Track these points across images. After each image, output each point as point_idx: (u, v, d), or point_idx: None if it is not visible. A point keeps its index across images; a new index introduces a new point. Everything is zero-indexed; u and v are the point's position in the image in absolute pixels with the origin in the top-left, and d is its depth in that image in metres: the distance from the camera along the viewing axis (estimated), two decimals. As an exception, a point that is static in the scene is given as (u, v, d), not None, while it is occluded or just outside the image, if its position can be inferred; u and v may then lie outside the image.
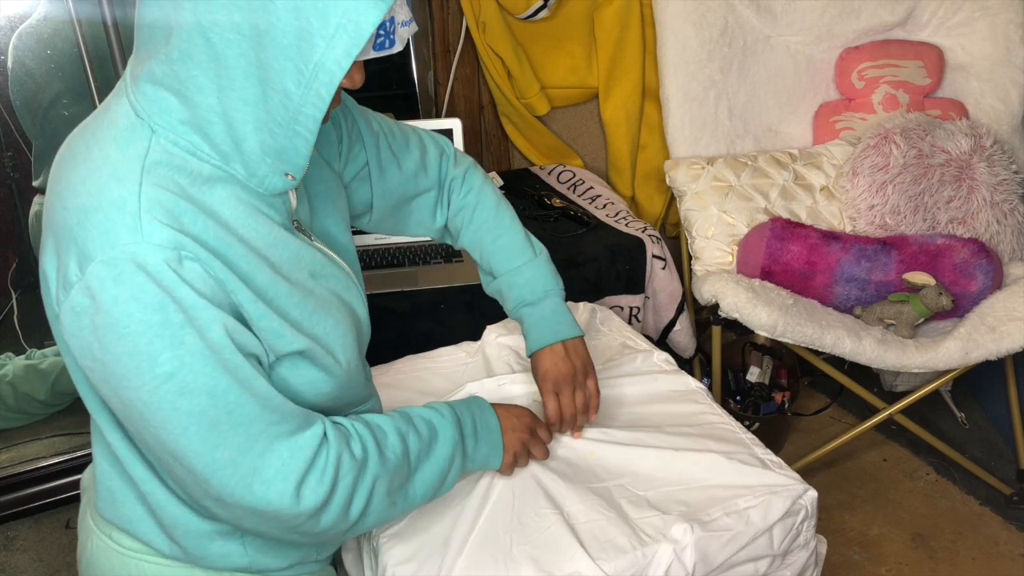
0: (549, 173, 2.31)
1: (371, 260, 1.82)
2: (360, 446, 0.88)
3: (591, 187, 2.21)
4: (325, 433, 0.85)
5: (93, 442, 0.95)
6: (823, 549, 1.19)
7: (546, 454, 1.13)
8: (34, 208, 2.18)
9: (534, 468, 1.12)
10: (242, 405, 0.78)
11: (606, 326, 1.49)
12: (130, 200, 0.74)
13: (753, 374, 2.10)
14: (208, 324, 0.76)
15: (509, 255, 1.19)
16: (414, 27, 0.80)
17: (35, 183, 2.14)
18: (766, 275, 1.92)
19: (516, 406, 1.13)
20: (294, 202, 0.91)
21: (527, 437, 1.09)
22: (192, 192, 0.78)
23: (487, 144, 2.37)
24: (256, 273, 0.81)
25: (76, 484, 1.99)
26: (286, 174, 0.82)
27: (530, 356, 1.18)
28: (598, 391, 1.19)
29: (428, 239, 1.24)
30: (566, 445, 1.18)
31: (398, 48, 0.79)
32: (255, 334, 0.81)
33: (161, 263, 0.73)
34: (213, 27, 0.73)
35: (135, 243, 0.73)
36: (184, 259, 0.75)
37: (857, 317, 1.89)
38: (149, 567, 0.93)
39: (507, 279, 1.19)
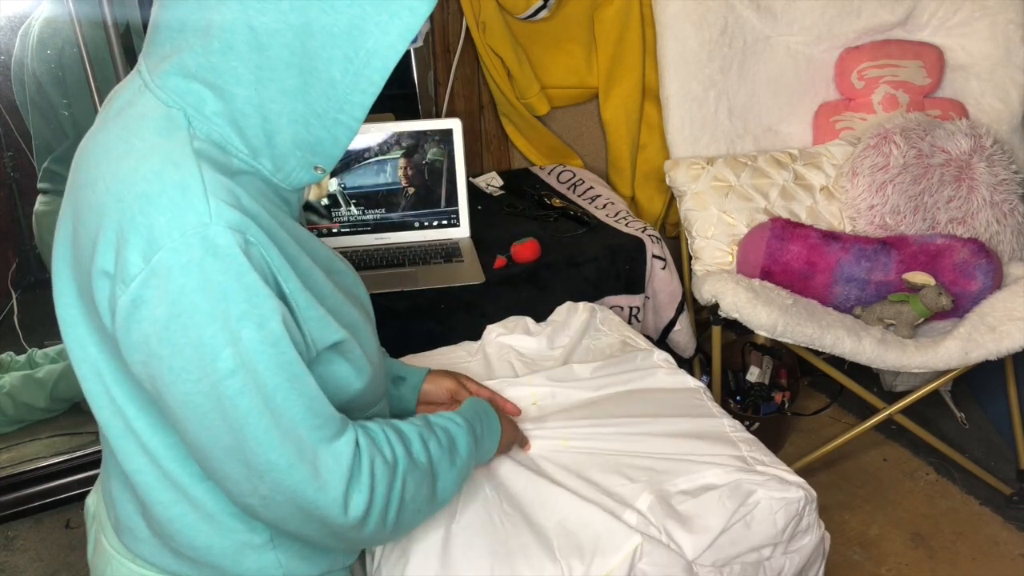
0: (549, 173, 2.31)
1: (371, 260, 1.82)
2: (391, 451, 0.87)
3: (591, 187, 2.21)
4: (357, 440, 0.84)
5: (108, 476, 0.93)
6: (827, 544, 1.19)
7: None
8: (37, 207, 2.17)
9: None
10: (290, 407, 0.77)
11: (606, 326, 1.49)
12: (193, 182, 0.72)
13: (753, 374, 2.10)
14: (269, 314, 0.74)
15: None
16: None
17: (39, 184, 2.13)
18: (766, 275, 1.92)
19: (512, 420, 1.15)
20: (306, 194, 0.90)
21: (505, 452, 1.14)
22: (233, 177, 0.76)
23: (487, 144, 2.37)
24: (299, 259, 0.80)
25: (76, 484, 1.99)
26: (315, 167, 0.81)
27: (423, 383, 1.18)
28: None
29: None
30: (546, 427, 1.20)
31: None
32: (299, 327, 0.79)
33: (233, 246, 0.71)
34: (260, 17, 0.72)
35: (204, 225, 0.70)
36: (249, 244, 0.73)
37: (857, 317, 1.89)
38: None
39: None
